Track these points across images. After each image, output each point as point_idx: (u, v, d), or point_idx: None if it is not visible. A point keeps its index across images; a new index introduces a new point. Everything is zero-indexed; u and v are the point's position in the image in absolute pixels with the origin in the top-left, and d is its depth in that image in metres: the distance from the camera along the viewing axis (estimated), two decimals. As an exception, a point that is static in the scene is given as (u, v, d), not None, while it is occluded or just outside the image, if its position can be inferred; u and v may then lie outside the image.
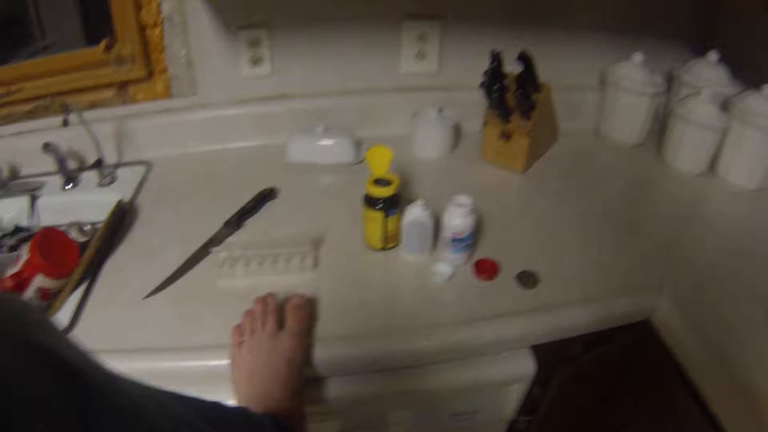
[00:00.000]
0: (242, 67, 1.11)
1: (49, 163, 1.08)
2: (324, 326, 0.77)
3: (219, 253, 0.85)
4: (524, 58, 1.03)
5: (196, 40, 1.06)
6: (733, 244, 0.98)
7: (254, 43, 1.08)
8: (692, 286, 0.86)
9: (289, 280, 0.84)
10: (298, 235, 0.88)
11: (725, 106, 1.12)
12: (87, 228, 0.99)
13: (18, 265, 0.85)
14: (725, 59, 1.18)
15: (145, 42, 1.06)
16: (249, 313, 0.75)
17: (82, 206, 1.07)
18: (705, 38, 1.28)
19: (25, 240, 1.03)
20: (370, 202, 0.85)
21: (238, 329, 0.74)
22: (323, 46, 1.13)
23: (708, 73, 1.18)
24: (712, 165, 1.17)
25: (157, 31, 1.03)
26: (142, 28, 1.04)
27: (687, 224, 1.03)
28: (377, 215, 0.85)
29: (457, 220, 0.83)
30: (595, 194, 1.09)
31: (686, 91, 1.18)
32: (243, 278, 0.85)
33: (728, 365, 0.72)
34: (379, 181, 0.84)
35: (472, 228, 0.84)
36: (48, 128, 1.09)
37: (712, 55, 1.18)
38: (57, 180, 1.10)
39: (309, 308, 0.78)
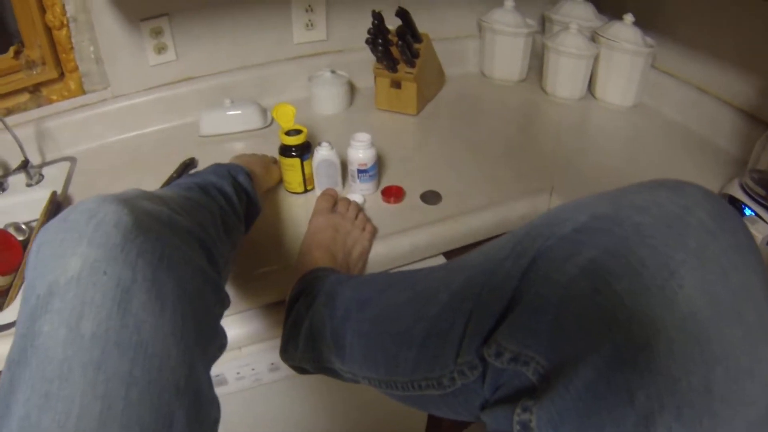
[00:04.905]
0: (148, 57, 1.27)
1: (-31, 174, 1.18)
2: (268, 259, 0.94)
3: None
4: (401, 13, 1.25)
5: (102, 36, 1.21)
6: (616, 150, 1.22)
7: (157, 33, 1.25)
8: (581, 186, 1.07)
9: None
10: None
11: (593, 37, 1.38)
12: (23, 227, 1.10)
13: (-40, 267, 0.96)
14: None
15: (53, 44, 1.20)
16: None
17: (15, 208, 1.16)
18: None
19: (-42, 248, 1.13)
20: (286, 150, 1.04)
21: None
22: (221, 28, 1.31)
23: (575, 11, 1.44)
24: (591, 90, 1.42)
25: (63, 32, 1.17)
26: (48, 31, 1.17)
27: (572, 140, 1.27)
28: (294, 162, 1.04)
29: (359, 153, 1.03)
30: (485, 124, 1.32)
31: (558, 28, 1.43)
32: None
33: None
34: (290, 132, 1.03)
35: (373, 159, 1.04)
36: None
37: (577, -6, 1.43)
38: (-17, 188, 1.19)
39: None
